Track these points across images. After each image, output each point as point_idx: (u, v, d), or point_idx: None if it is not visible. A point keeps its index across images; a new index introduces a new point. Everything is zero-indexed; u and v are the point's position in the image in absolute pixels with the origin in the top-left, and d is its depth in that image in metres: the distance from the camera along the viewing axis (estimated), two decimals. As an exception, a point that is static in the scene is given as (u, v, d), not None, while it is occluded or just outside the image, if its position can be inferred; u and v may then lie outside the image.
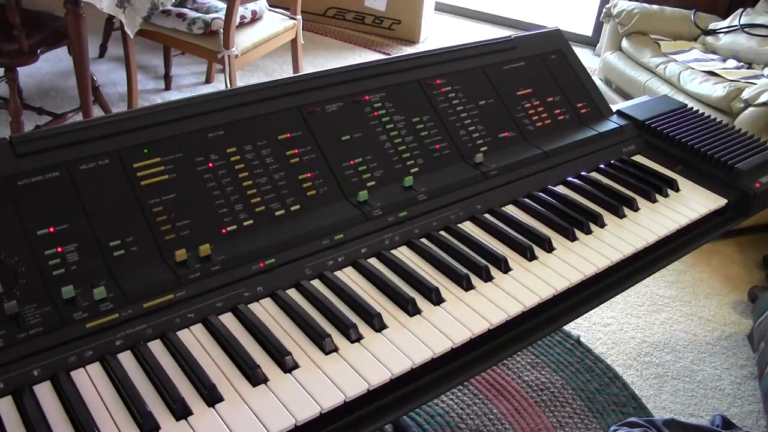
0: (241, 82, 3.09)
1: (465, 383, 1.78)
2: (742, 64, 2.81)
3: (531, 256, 0.93)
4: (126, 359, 0.71)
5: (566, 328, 2.01)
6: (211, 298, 0.78)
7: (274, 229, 0.87)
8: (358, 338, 0.76)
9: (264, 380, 0.70)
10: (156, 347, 0.73)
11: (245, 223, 0.86)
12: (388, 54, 3.88)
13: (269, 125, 0.94)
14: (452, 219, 0.98)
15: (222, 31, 2.48)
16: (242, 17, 2.62)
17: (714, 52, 2.96)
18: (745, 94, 2.38)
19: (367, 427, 0.70)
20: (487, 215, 1.01)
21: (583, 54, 4.11)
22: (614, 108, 1.30)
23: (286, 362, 0.72)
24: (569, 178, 1.12)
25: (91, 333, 0.71)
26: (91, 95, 2.54)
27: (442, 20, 4.58)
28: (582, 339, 1.98)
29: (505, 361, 1.85)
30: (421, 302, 0.83)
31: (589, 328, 2.04)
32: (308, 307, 0.80)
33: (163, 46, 3.11)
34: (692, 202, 1.11)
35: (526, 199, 1.05)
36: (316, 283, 0.84)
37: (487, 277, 0.88)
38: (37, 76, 3.14)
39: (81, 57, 2.41)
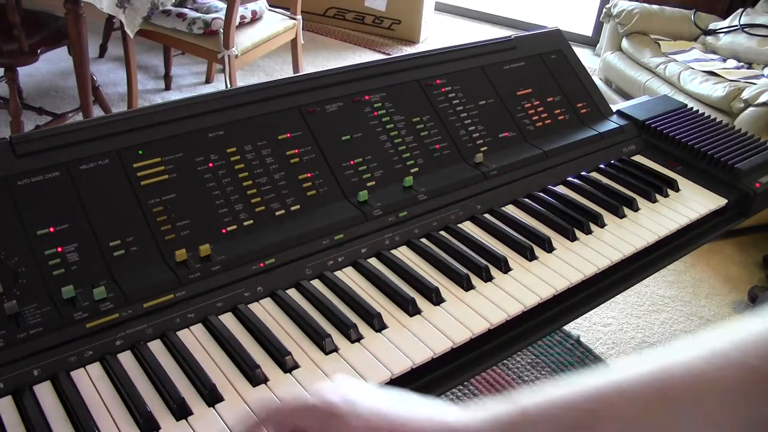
0: (241, 82, 3.09)
1: (465, 383, 1.77)
2: (742, 64, 2.81)
3: (531, 256, 0.93)
4: (126, 359, 0.71)
5: (566, 328, 2.01)
6: (211, 298, 0.78)
7: (274, 229, 0.87)
8: (358, 338, 0.76)
9: (264, 380, 0.70)
10: (156, 347, 0.73)
11: (245, 223, 0.86)
12: (388, 54, 3.88)
13: (269, 125, 0.94)
14: (452, 219, 0.98)
15: (222, 31, 2.48)
16: (242, 17, 2.62)
17: (714, 52, 2.96)
18: (745, 94, 2.38)
19: (367, 427, 0.70)
20: (487, 215, 1.01)
21: (583, 54, 4.11)
22: (614, 108, 1.30)
23: (286, 362, 0.72)
24: (569, 178, 1.12)
25: (91, 333, 0.71)
26: (91, 95, 2.54)
27: (442, 20, 4.58)
28: (582, 339, 1.98)
29: (505, 361, 1.85)
30: (421, 302, 0.83)
31: (589, 328, 2.04)
32: (308, 307, 0.80)
33: (163, 46, 3.11)
34: (692, 202, 1.11)
35: (526, 199, 1.05)
36: (316, 283, 0.84)
37: (487, 277, 0.88)
38: (37, 76, 3.14)
39: (81, 57, 2.41)
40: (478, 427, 0.45)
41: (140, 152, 0.84)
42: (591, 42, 4.31)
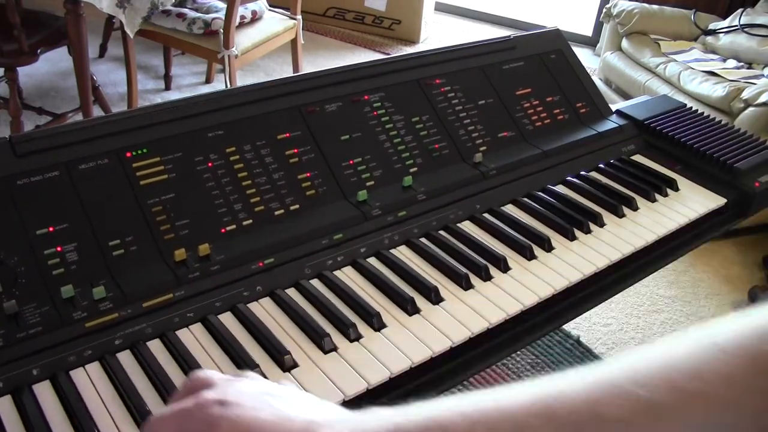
0: (241, 82, 3.09)
1: (464, 383, 1.77)
2: (742, 64, 2.81)
3: (530, 256, 0.93)
4: (125, 359, 0.71)
5: (566, 328, 2.01)
6: (211, 298, 0.78)
7: (274, 229, 0.87)
8: (358, 337, 0.76)
9: (263, 379, 0.70)
10: (155, 347, 0.73)
11: (244, 223, 0.86)
12: (388, 54, 3.88)
13: (269, 125, 0.94)
14: (451, 218, 0.98)
15: (222, 31, 2.48)
16: (242, 17, 2.62)
17: (714, 52, 2.96)
18: (745, 94, 2.38)
19: (366, 426, 0.70)
20: (486, 215, 1.01)
21: (583, 54, 4.11)
22: (614, 108, 1.30)
23: (285, 361, 0.72)
24: (568, 178, 1.12)
25: (90, 332, 0.71)
26: (91, 95, 2.54)
27: (442, 20, 4.58)
28: (582, 339, 1.98)
29: (504, 361, 1.85)
30: (421, 301, 0.83)
31: (589, 328, 2.04)
32: (307, 307, 0.80)
33: (163, 46, 3.11)
34: (692, 201, 1.11)
35: (526, 199, 1.05)
36: (316, 283, 0.84)
37: (487, 277, 0.88)
38: (37, 76, 3.15)
39: (81, 57, 2.41)
40: None
41: (140, 152, 0.84)
42: (591, 42, 4.31)
